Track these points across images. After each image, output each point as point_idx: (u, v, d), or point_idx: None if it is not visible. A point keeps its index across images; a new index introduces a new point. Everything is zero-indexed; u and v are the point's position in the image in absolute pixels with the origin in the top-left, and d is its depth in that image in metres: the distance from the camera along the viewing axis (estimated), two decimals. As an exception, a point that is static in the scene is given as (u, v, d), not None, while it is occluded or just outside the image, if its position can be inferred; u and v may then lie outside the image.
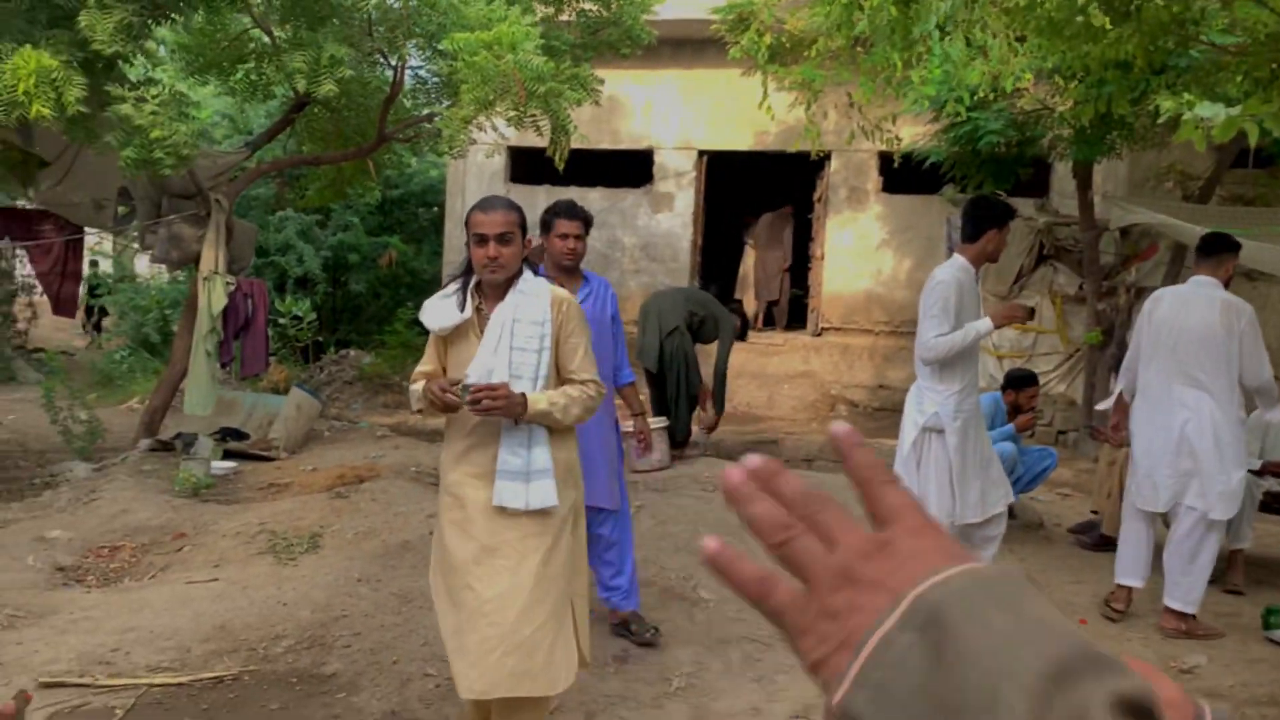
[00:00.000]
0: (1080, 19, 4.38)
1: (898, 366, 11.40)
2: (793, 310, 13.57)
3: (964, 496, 4.29)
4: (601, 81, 7.80)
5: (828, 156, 11.79)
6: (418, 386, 2.98)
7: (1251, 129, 5.19)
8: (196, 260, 7.36)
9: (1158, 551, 4.84)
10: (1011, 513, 6.23)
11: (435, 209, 15.26)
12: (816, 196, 12.71)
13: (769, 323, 13.47)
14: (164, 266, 8.27)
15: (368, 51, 7.41)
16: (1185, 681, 4.12)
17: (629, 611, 4.28)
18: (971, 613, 0.46)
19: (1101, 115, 5.83)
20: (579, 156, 10.02)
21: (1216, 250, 4.70)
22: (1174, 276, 8.61)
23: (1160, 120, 6.50)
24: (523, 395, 2.82)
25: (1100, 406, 6.01)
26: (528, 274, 3.02)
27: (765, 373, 11.91)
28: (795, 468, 7.82)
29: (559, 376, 3.02)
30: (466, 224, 2.97)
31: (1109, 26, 3.85)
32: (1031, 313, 4.47)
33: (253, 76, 8.14)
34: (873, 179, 12.11)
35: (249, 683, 3.73)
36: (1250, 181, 9.76)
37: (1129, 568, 4.78)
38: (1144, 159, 9.84)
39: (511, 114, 6.43)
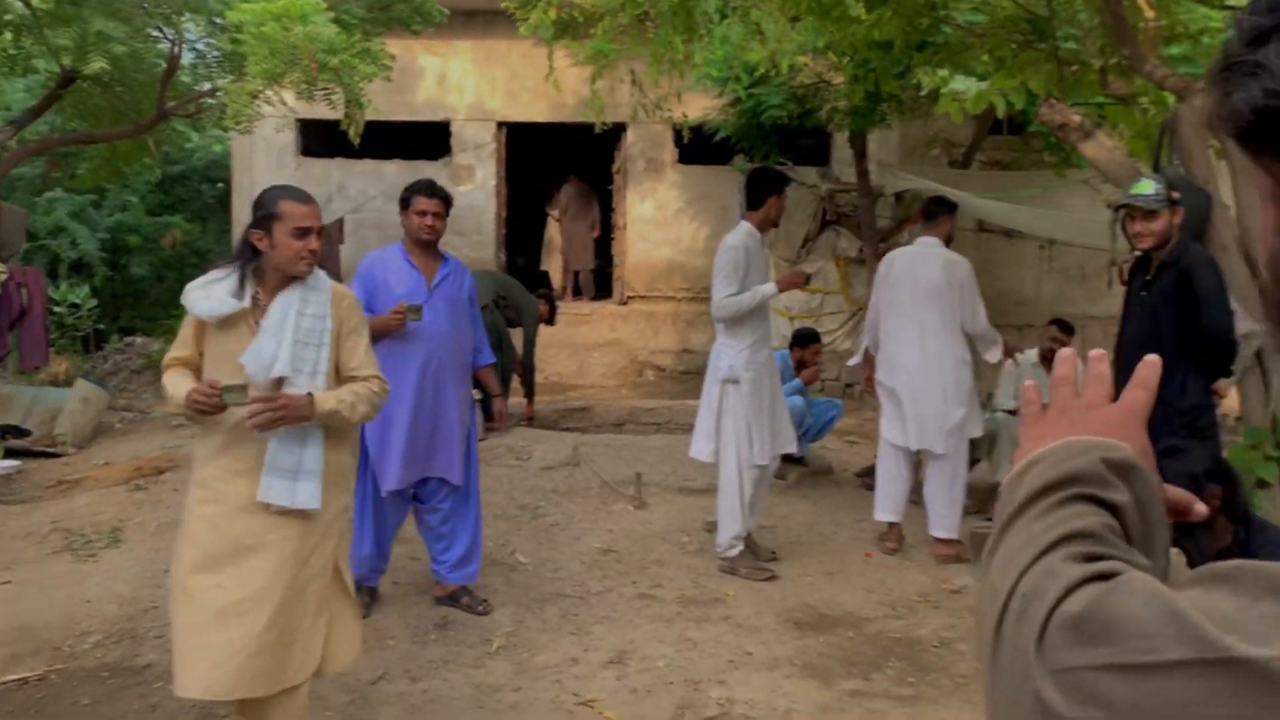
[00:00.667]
0: (852, 10, 4.74)
1: (699, 331, 11.85)
2: (599, 280, 13.83)
3: (760, 440, 4.78)
4: (392, 56, 7.73)
5: (624, 128, 12.04)
6: (177, 390, 2.79)
7: (998, 101, 5.76)
8: (-41, 248, 6.84)
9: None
10: (803, 460, 6.70)
11: (220, 185, 14.60)
12: (615, 168, 12.96)
13: (577, 293, 13.68)
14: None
15: (139, 25, 7.06)
16: (954, 600, 4.62)
17: (457, 585, 4.38)
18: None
19: (869, 91, 6.29)
20: (374, 129, 9.84)
21: (936, 213, 5.30)
22: (942, 237, 9.33)
23: (923, 93, 7.08)
24: (309, 396, 2.76)
25: (850, 363, 6.55)
26: (317, 270, 2.94)
27: (574, 342, 12.12)
28: (605, 432, 8.09)
29: (338, 375, 2.95)
30: (271, 214, 2.80)
31: (864, 15, 4.20)
32: (808, 278, 4.98)
33: (9, 50, 7.60)
34: (669, 150, 12.46)
35: (57, 681, 3.63)
36: (1006, 147, 10.69)
37: (886, 504, 5.27)
38: (913, 129, 10.58)
39: (302, 86, 6.32)
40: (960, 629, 4.26)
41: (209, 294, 2.80)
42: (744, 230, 4.78)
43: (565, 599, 4.53)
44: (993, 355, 5.29)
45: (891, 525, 5.28)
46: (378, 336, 4.01)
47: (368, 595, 4.30)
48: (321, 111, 8.75)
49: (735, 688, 3.68)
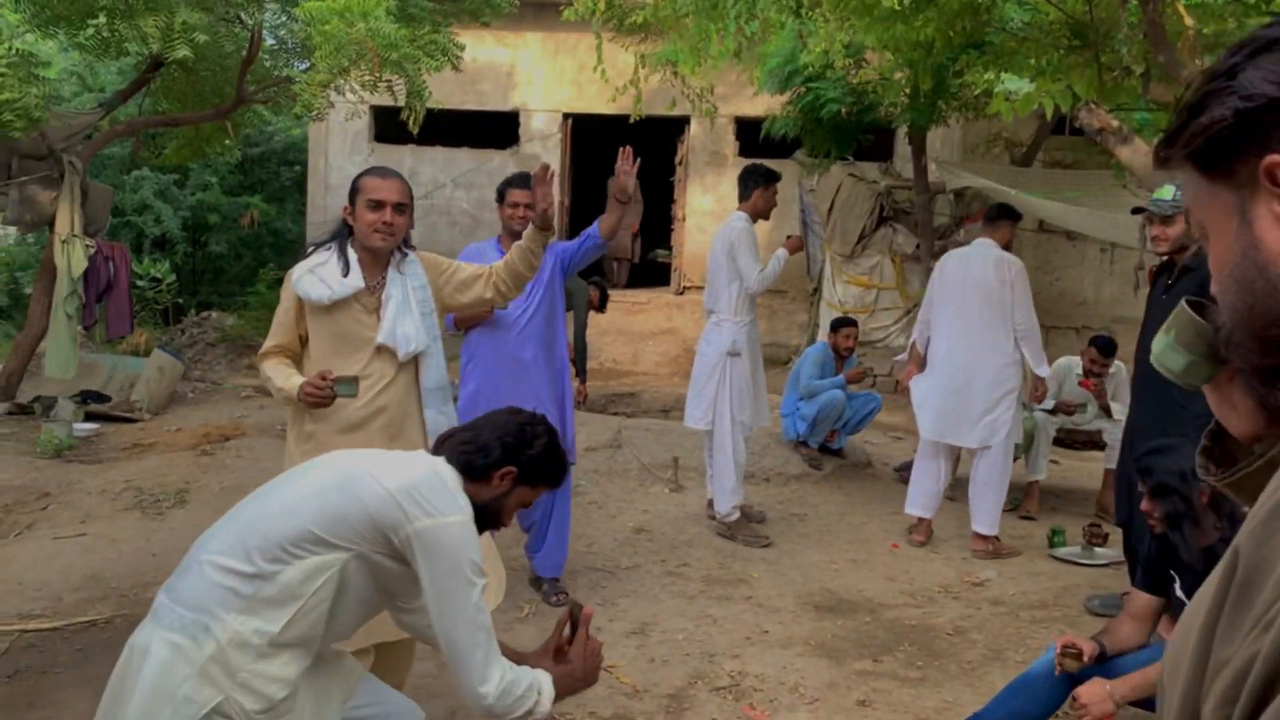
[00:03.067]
0: (885, 3, 4.86)
1: (754, 322, 11.99)
2: (658, 270, 14.00)
3: (759, 407, 5.33)
4: (462, 47, 7.98)
5: (687, 121, 12.19)
6: (287, 381, 2.84)
7: (1046, 103, 5.83)
8: (50, 222, 7.29)
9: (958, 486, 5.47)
10: (841, 452, 6.83)
11: (297, 168, 15.08)
12: (678, 160, 13.13)
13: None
14: (15, 229, 8.11)
15: (221, 13, 7.42)
16: (975, 592, 4.72)
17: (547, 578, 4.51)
18: None
19: (931, 86, 6.36)
20: (444, 117, 10.15)
21: (996, 219, 5.40)
22: (998, 236, 9.32)
23: (977, 93, 7.12)
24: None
25: (897, 359, 6.65)
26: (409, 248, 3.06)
27: (630, 330, 12.34)
28: (651, 417, 8.28)
29: (469, 296, 3.16)
30: (355, 189, 2.93)
31: (897, 6, 4.30)
32: (802, 242, 5.57)
33: (104, 33, 8.02)
34: (730, 144, 12.60)
35: (122, 626, 3.94)
36: (1068, 147, 10.62)
37: (916, 499, 5.38)
38: (975, 127, 10.57)
39: (366, 79, 6.60)
40: (976, 619, 4.37)
41: (322, 277, 2.86)
42: (742, 217, 5.28)
43: (595, 572, 4.74)
44: (1041, 370, 5.34)
45: (921, 519, 5.39)
46: (471, 324, 4.27)
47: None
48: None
49: (748, 662, 3.85)
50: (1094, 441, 6.33)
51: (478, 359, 4.31)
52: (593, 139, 13.80)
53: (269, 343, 2.96)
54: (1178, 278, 4.07)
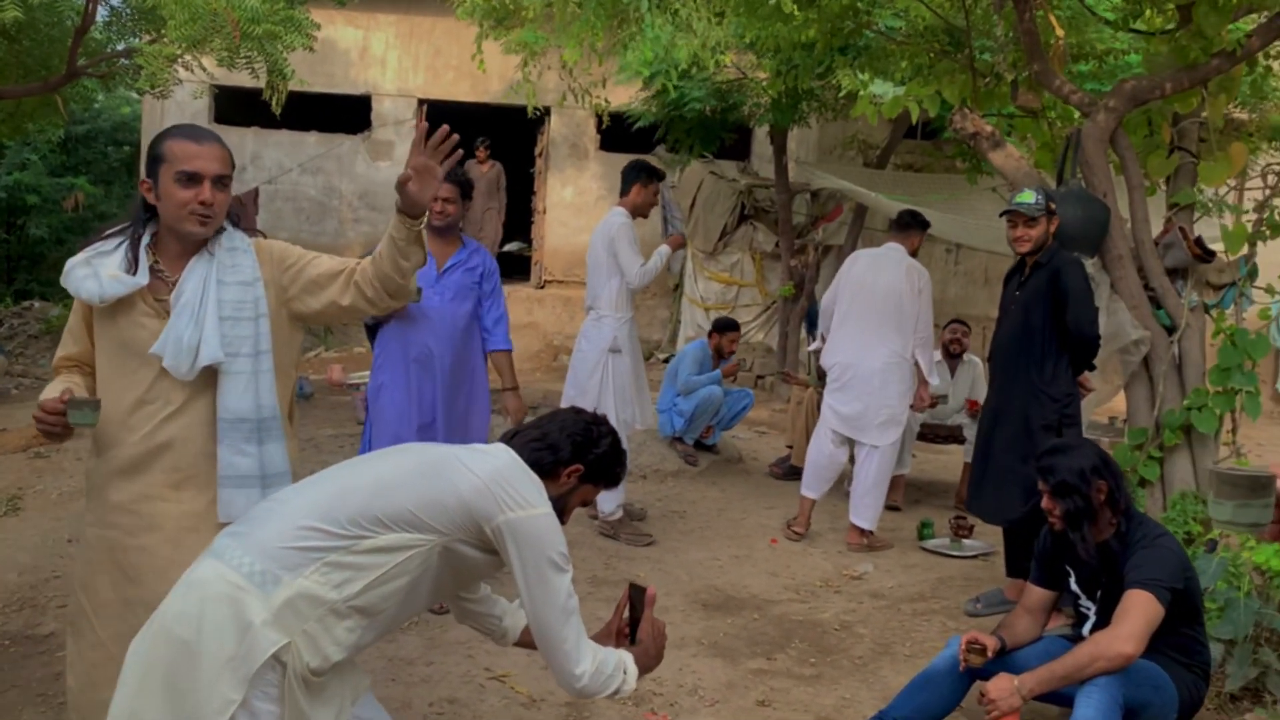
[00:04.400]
0: (771, 2, 4.85)
1: (615, 317, 11.96)
2: (516, 263, 13.79)
3: (642, 406, 5.26)
4: (317, 26, 7.60)
5: (547, 113, 12.04)
6: (50, 391, 2.23)
7: (913, 108, 5.97)
8: None
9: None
10: (715, 448, 6.86)
11: (127, 148, 14.15)
12: (538, 152, 12.96)
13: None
14: None
15: (55, -24, 6.82)
16: (854, 586, 4.80)
17: None
18: None
19: (791, 88, 6.44)
20: (292, 100, 9.65)
21: (909, 225, 5.58)
22: (855, 235, 9.59)
23: (841, 95, 7.26)
24: None
25: (810, 348, 6.78)
26: (226, 224, 2.35)
27: (488, 324, 12.10)
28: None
29: (321, 300, 2.38)
30: (158, 157, 2.25)
31: (797, 13, 4.32)
32: (684, 239, 5.65)
33: (-90, -6, 7.26)
34: (591, 136, 12.52)
35: (-47, 650, 3.55)
36: (919, 151, 11.00)
37: (812, 483, 5.45)
38: (831, 128, 10.82)
39: (223, 55, 6.19)
40: (860, 613, 4.43)
41: (96, 270, 2.21)
42: (621, 212, 5.22)
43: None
44: (932, 379, 5.53)
45: (805, 502, 5.43)
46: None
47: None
48: (238, 79, 8.56)
49: (644, 665, 3.77)
50: (954, 436, 6.56)
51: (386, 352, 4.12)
52: (449, 127, 13.44)
53: (59, 353, 2.39)
54: (1031, 274, 4.34)
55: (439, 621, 4.05)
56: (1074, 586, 3.14)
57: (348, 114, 12.54)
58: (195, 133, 2.28)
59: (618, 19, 4.86)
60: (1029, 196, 4.27)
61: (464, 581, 2.22)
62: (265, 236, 2.46)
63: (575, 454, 2.22)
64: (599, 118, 11.98)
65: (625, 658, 2.19)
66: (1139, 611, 2.78)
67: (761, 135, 11.49)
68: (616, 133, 11.70)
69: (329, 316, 2.44)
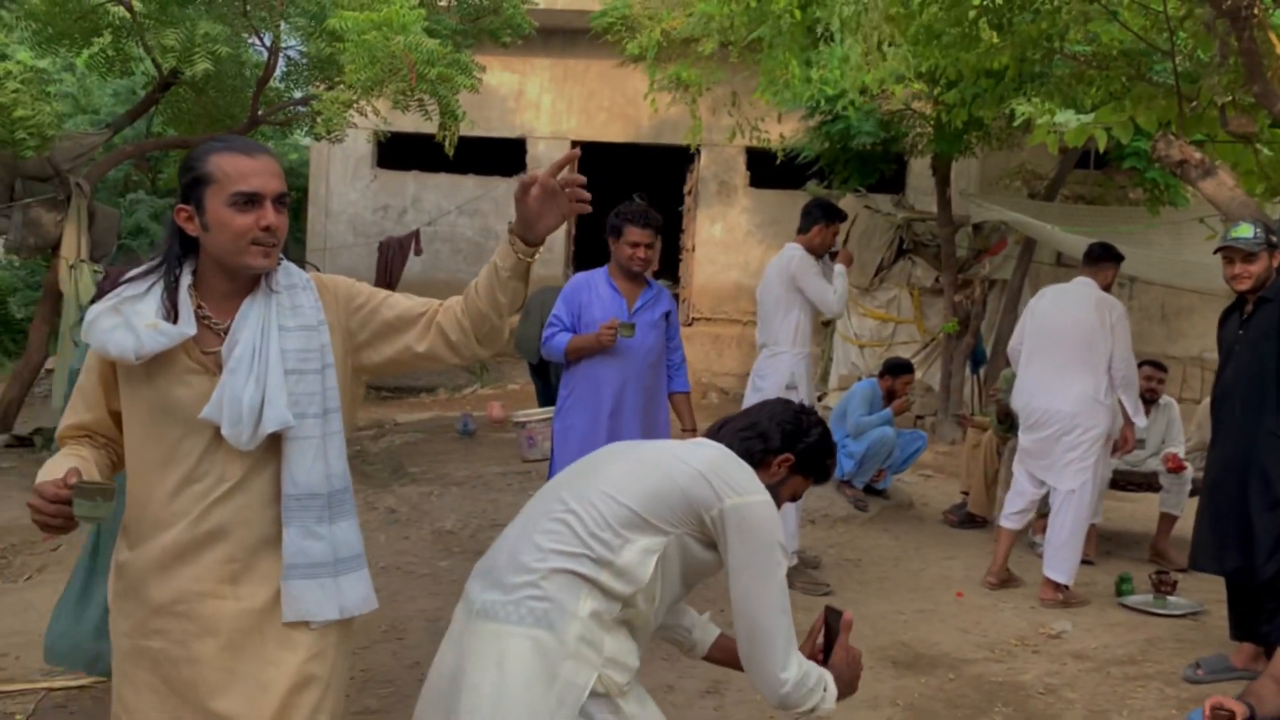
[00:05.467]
0: (957, 29, 4.67)
1: (765, 355, 11.78)
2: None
3: None
4: (482, 69, 7.78)
5: (698, 151, 12.03)
6: (52, 470, 1.75)
7: (1100, 135, 5.65)
8: (54, 246, 6.97)
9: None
10: (885, 493, 6.59)
11: (295, 193, 14.80)
12: (687, 190, 12.95)
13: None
14: (16, 254, 7.79)
15: (240, 30, 7.17)
16: (1054, 645, 4.47)
17: None
18: None
19: (974, 118, 6.21)
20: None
21: (1101, 258, 5.17)
22: (1024, 269, 9.19)
23: (1015, 124, 6.96)
24: None
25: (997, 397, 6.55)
26: (282, 256, 1.91)
27: (637, 361, 12.10)
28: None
29: (393, 349, 1.98)
30: (202, 178, 1.80)
31: (995, 39, 4.12)
32: (852, 255, 5.47)
33: (109, 51, 7.76)
34: (740, 173, 12.44)
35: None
36: (1089, 182, 10.51)
37: (1012, 516, 5.19)
38: (994, 159, 10.45)
39: (399, 97, 6.36)
40: (1064, 675, 4.11)
41: (128, 319, 1.77)
42: (797, 248, 4.99)
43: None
44: (1138, 420, 5.19)
45: (1005, 535, 5.19)
46: (580, 356, 4.03)
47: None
48: (400, 123, 8.83)
49: (837, 725, 3.57)
50: (1148, 484, 6.12)
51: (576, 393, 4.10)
52: (602, 168, 13.60)
53: (65, 422, 1.92)
54: (1255, 311, 3.98)
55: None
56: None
57: (504, 156, 12.81)
58: (246, 146, 1.85)
59: (809, 50, 4.76)
60: (1246, 230, 3.94)
61: (692, 583, 2.12)
62: (315, 269, 2.04)
63: (786, 443, 2.18)
64: (749, 154, 11.91)
65: (826, 675, 2.08)
66: None
67: (917, 168, 11.19)
68: (765, 169, 11.59)
69: (399, 366, 2.03)
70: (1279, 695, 2.88)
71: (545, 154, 12.62)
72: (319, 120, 6.73)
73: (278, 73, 8.12)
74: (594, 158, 13.02)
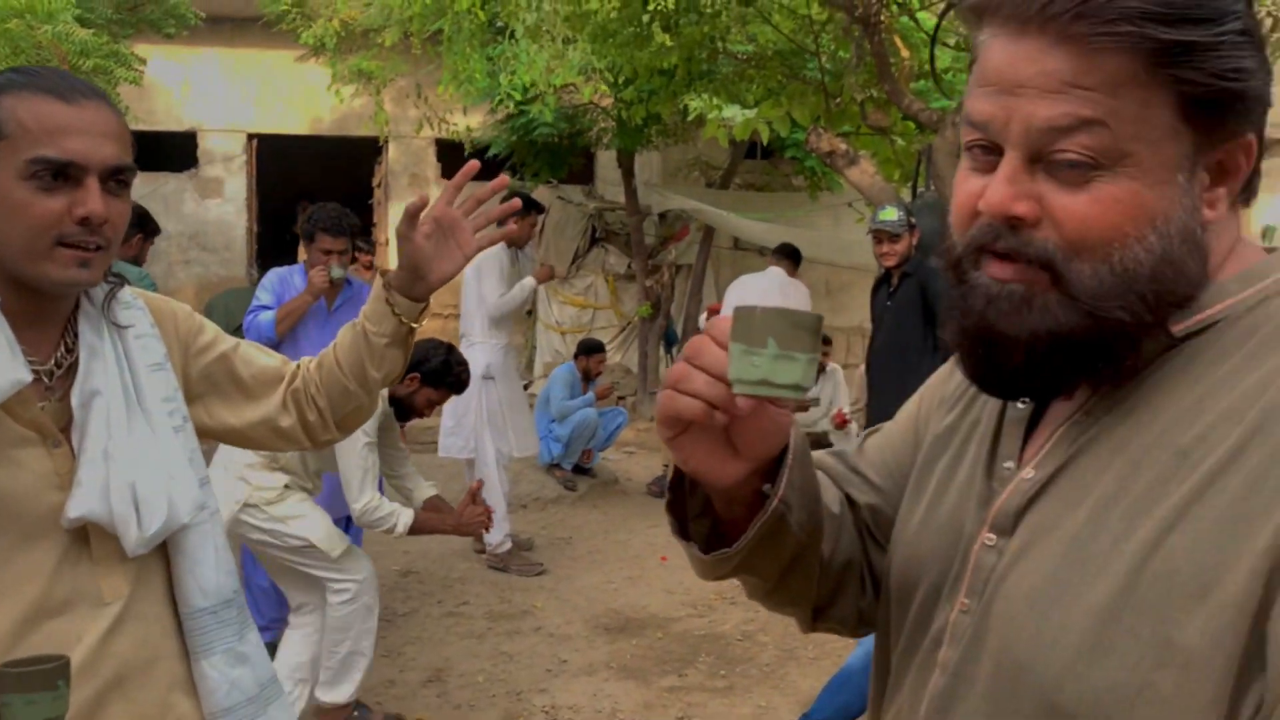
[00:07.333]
0: (630, 29, 4.95)
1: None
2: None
3: (517, 434, 5.29)
4: (143, 61, 7.29)
5: (386, 143, 11.82)
6: None
7: (763, 129, 6.17)
8: None
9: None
10: (592, 471, 6.87)
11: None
12: (376, 182, 12.69)
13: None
14: None
15: None
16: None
17: None
18: None
19: (652, 114, 6.58)
20: (113, 138, 9.11)
21: (790, 255, 6.26)
22: (706, 254, 9.82)
23: (690, 118, 7.44)
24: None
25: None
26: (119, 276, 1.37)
27: (335, 362, 11.73)
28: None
29: (254, 414, 1.47)
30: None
31: (668, 40, 4.41)
32: (553, 270, 5.84)
33: None
34: (432, 165, 12.35)
35: None
36: (759, 171, 11.37)
37: None
38: (674, 151, 11.05)
39: (49, 92, 5.82)
40: (759, 621, 4.52)
41: None
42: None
43: (372, 622, 4.43)
44: (812, 391, 5.92)
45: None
46: (292, 323, 3.85)
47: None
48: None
49: (557, 694, 3.74)
50: (820, 443, 6.78)
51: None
52: (281, 161, 13.04)
53: None
54: (899, 285, 4.56)
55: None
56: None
57: (172, 151, 11.96)
58: (64, 85, 1.20)
59: (491, 47, 4.84)
60: (892, 214, 4.50)
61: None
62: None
63: (411, 368, 2.99)
64: (439, 146, 11.85)
65: (402, 512, 3.19)
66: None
67: (605, 159, 11.61)
68: (457, 161, 11.57)
69: (235, 439, 1.50)
70: None
71: (218, 147, 11.93)
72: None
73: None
74: (274, 151, 12.47)
